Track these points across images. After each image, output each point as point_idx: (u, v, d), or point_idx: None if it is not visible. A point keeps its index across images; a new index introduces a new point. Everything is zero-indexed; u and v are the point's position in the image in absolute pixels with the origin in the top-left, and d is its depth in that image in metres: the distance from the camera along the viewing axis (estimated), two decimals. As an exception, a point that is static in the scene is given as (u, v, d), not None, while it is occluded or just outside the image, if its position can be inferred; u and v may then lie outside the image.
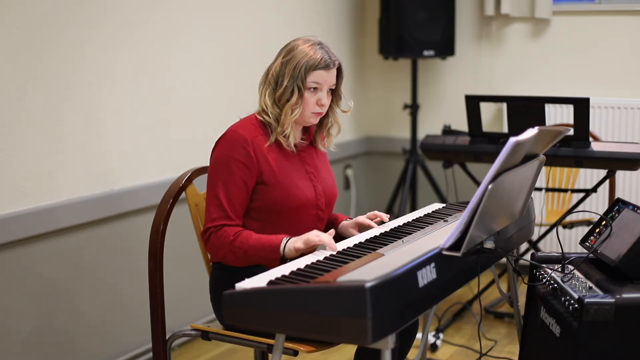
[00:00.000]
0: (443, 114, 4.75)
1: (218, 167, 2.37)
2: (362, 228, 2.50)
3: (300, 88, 2.36)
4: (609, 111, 4.26)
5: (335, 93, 2.47)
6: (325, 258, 2.13)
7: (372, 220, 2.46)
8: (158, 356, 2.45)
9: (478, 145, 3.58)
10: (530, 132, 2.10)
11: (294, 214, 2.40)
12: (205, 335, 2.42)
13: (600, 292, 2.24)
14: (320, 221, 2.48)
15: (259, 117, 2.43)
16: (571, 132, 3.38)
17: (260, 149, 2.37)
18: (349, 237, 2.47)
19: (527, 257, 3.58)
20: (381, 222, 2.48)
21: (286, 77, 2.36)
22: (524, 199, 2.37)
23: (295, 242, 2.26)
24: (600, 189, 3.83)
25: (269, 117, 2.40)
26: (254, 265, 2.34)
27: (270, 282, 1.94)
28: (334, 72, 2.41)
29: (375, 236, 2.35)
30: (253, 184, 2.37)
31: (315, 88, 2.38)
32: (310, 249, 2.25)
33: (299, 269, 2.03)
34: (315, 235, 2.24)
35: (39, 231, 2.90)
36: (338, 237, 2.53)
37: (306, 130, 2.52)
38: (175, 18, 3.46)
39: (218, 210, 2.34)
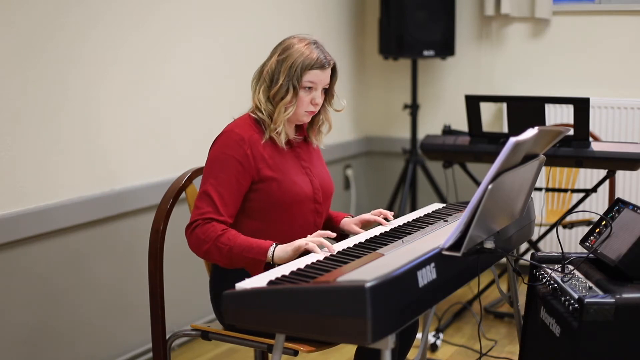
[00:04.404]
0: (443, 114, 4.75)
1: (212, 165, 2.37)
2: (365, 226, 2.50)
3: (295, 87, 2.37)
4: (609, 111, 4.26)
5: (328, 92, 2.48)
6: (325, 258, 2.13)
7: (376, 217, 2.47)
8: (158, 356, 2.45)
9: (478, 145, 3.58)
10: (530, 132, 2.10)
11: (293, 208, 2.40)
12: (205, 335, 2.42)
13: (600, 292, 2.24)
14: (319, 215, 2.48)
15: (253, 115, 2.44)
16: (571, 132, 3.38)
17: (256, 147, 2.38)
18: (352, 233, 2.47)
19: (527, 257, 3.58)
20: (386, 219, 2.48)
21: (282, 76, 2.37)
22: (524, 199, 2.37)
23: (287, 247, 2.25)
24: (600, 189, 3.83)
25: (262, 114, 2.41)
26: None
27: (270, 282, 1.94)
28: (329, 71, 2.42)
29: (375, 236, 2.35)
30: (247, 183, 2.37)
31: (310, 87, 2.39)
32: (301, 254, 2.24)
33: (299, 269, 2.03)
34: (304, 243, 2.22)
35: (39, 231, 2.90)
36: (340, 235, 2.53)
37: (299, 127, 2.53)
38: (175, 18, 3.46)
39: (208, 205, 2.32)
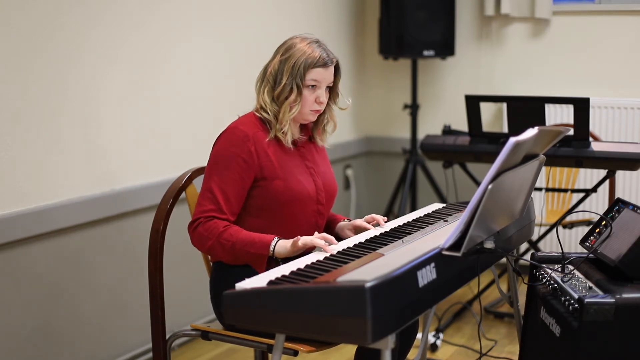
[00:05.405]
0: (443, 114, 4.75)
1: (216, 162, 2.37)
2: (358, 231, 2.49)
3: (299, 86, 2.37)
4: (609, 111, 4.26)
5: (332, 91, 2.49)
6: (325, 258, 2.13)
7: (369, 223, 2.46)
8: (158, 356, 2.45)
9: (478, 145, 3.58)
10: (530, 132, 2.10)
11: (296, 208, 2.40)
12: (205, 335, 2.42)
13: (600, 292, 2.24)
14: (321, 216, 2.48)
15: (257, 114, 2.44)
16: (571, 132, 3.38)
17: (260, 145, 2.38)
18: (345, 238, 2.47)
19: (527, 257, 3.58)
20: (377, 225, 2.47)
21: (285, 75, 2.37)
22: (524, 199, 2.37)
23: (287, 242, 2.26)
24: (600, 189, 3.83)
25: (268, 114, 2.41)
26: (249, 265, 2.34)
27: (270, 282, 1.94)
28: (332, 69, 2.43)
29: (375, 236, 2.35)
30: (251, 180, 2.37)
31: (313, 86, 2.39)
32: (300, 250, 2.25)
33: (299, 269, 2.03)
34: (303, 241, 2.22)
35: (39, 231, 2.90)
36: (336, 238, 2.52)
37: (304, 126, 2.53)
38: (175, 18, 3.46)
39: (210, 203, 2.33)
